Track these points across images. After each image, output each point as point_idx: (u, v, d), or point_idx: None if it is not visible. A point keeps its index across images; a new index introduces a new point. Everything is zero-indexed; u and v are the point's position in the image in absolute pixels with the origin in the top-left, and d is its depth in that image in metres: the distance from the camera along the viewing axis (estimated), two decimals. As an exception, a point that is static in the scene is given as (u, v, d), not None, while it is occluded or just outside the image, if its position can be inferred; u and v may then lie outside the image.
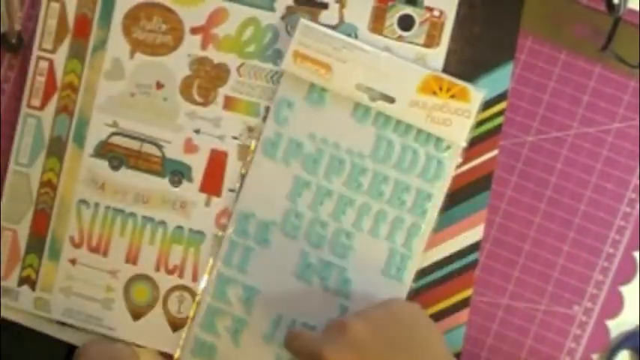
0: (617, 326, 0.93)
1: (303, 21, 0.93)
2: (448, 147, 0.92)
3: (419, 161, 0.92)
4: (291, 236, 0.94)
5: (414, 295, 0.94)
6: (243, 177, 0.95)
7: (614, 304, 0.93)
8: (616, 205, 0.93)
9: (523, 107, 0.93)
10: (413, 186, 0.93)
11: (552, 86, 0.93)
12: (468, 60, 0.94)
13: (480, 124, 0.93)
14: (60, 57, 0.98)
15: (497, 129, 0.93)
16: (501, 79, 0.93)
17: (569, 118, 0.93)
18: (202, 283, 0.96)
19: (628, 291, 0.93)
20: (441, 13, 0.93)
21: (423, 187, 0.92)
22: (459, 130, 0.91)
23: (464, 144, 0.92)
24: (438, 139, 0.92)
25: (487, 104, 0.93)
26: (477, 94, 0.91)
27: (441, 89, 0.91)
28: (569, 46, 0.93)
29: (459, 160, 0.92)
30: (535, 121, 0.93)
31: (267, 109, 0.95)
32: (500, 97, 0.93)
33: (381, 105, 0.92)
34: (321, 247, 0.94)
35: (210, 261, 0.96)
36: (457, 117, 0.91)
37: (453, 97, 0.91)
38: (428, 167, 0.92)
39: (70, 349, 1.00)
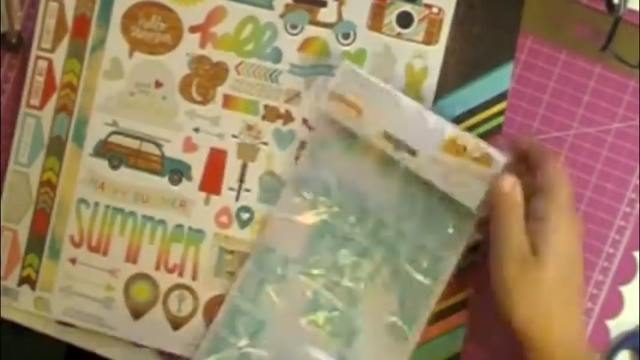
0: (617, 326, 0.93)
1: (347, 62, 0.92)
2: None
3: (441, 225, 0.91)
4: (308, 276, 0.94)
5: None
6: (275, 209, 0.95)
7: (614, 304, 0.93)
8: (616, 205, 0.93)
9: (523, 107, 0.93)
10: (429, 248, 0.91)
11: (552, 86, 0.93)
12: (468, 60, 0.94)
13: (479, 124, 0.93)
14: (59, 56, 0.98)
15: (497, 129, 0.93)
16: (501, 79, 0.93)
17: (569, 118, 0.93)
18: (219, 315, 0.96)
19: (628, 291, 0.93)
20: (440, 10, 0.93)
21: (439, 252, 0.91)
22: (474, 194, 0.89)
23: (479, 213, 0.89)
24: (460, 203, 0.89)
25: (487, 104, 0.93)
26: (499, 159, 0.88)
27: (464, 150, 0.89)
28: (569, 46, 0.93)
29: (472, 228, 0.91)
30: (535, 121, 0.93)
31: (266, 107, 0.95)
32: (500, 97, 0.93)
33: (403, 156, 0.90)
34: (334, 291, 0.93)
35: (230, 292, 0.96)
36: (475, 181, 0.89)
37: (475, 159, 0.89)
38: (446, 231, 0.91)
39: (70, 349, 1.00)
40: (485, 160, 0.88)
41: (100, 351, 1.00)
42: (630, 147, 0.92)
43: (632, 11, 0.91)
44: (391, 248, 0.92)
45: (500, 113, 0.93)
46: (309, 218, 0.94)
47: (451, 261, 0.90)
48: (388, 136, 0.90)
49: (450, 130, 0.89)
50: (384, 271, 0.92)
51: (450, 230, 0.90)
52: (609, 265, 0.93)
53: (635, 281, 0.93)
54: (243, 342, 0.94)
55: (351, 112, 0.91)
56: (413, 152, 0.90)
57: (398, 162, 0.90)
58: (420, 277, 0.91)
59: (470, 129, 0.93)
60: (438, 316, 0.94)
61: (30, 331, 1.00)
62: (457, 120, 0.93)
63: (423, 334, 0.92)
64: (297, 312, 0.93)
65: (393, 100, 0.90)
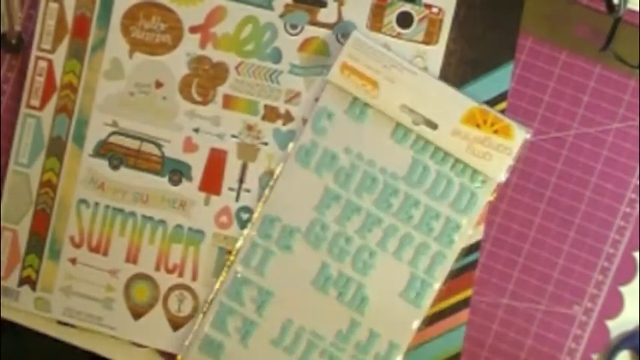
0: (617, 326, 0.93)
1: (356, 33, 0.93)
2: (484, 181, 0.91)
3: (452, 191, 0.92)
4: (314, 246, 0.94)
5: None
6: (275, 180, 0.95)
7: (614, 304, 0.93)
8: (616, 205, 0.92)
9: (523, 107, 0.93)
10: (443, 214, 0.92)
11: (552, 86, 0.93)
12: (468, 60, 0.94)
13: (479, 124, 0.94)
14: (59, 57, 0.98)
15: (497, 129, 0.93)
16: (501, 79, 0.93)
17: (569, 118, 0.93)
18: (217, 284, 0.96)
19: (628, 291, 0.93)
20: (440, 10, 0.94)
21: (453, 216, 0.91)
22: (497, 165, 0.91)
23: (502, 180, 0.91)
24: (475, 172, 0.91)
25: (487, 104, 0.93)
26: (521, 132, 0.90)
27: (485, 122, 0.90)
28: (569, 46, 0.93)
29: (493, 196, 0.92)
30: (535, 121, 0.93)
31: (266, 107, 0.95)
32: (500, 97, 0.93)
33: (422, 129, 0.91)
34: (342, 261, 0.93)
35: (231, 258, 0.96)
36: (498, 153, 0.90)
37: (496, 132, 0.90)
38: (460, 198, 0.91)
39: (70, 349, 1.00)
40: (507, 132, 0.90)
41: (100, 351, 1.00)
42: (630, 147, 0.93)
43: (632, 11, 0.92)
44: (402, 215, 0.92)
45: (500, 113, 0.93)
46: (314, 188, 0.94)
47: (465, 227, 0.92)
48: (406, 109, 0.92)
49: (470, 103, 0.91)
50: (394, 238, 0.92)
51: (464, 197, 0.91)
52: (609, 265, 0.93)
53: (635, 281, 0.93)
54: (249, 311, 0.94)
55: (366, 86, 0.92)
56: (433, 125, 0.92)
57: (410, 131, 0.92)
58: (433, 244, 0.92)
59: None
60: (438, 316, 0.94)
61: (30, 331, 1.00)
62: (457, 120, 0.94)
63: (426, 326, 0.94)
64: (306, 282, 0.94)
65: (411, 73, 0.92)
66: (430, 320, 0.93)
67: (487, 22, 0.93)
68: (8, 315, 1.00)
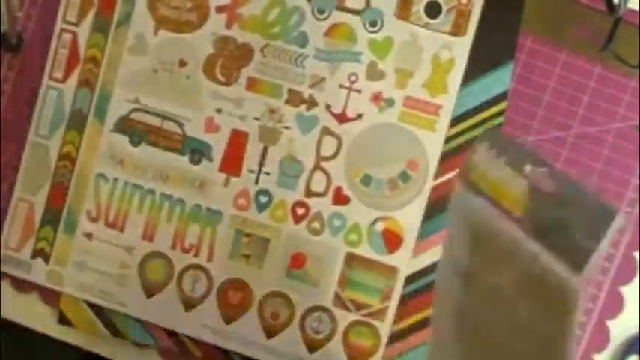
0: (617, 326, 0.93)
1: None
2: None
3: None
4: None
5: (401, 300, 0.94)
6: None
7: (614, 304, 0.93)
8: (615, 205, 0.94)
9: (523, 107, 0.94)
10: None
11: (552, 86, 0.94)
12: (468, 60, 0.94)
13: (479, 124, 0.94)
14: (84, 30, 0.97)
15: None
16: (501, 79, 0.94)
17: (569, 118, 0.94)
18: None
19: (628, 291, 0.93)
20: (469, 0, 0.94)
21: None
22: None
23: None
24: None
25: (487, 104, 0.94)
26: None
27: None
28: (569, 46, 0.94)
29: None
30: (535, 121, 0.94)
31: (290, 91, 0.95)
32: (500, 97, 0.94)
33: None
34: None
35: None
36: None
37: None
38: None
39: (70, 349, 0.99)
40: None
41: (99, 351, 0.98)
42: (630, 147, 0.93)
43: (632, 11, 0.93)
44: None
45: (500, 113, 0.94)
46: None
47: None
48: None
49: None
50: None
51: None
52: (609, 265, 0.93)
53: (635, 281, 0.93)
54: None
55: None
56: None
57: None
58: None
59: (470, 129, 0.94)
60: (426, 322, 0.93)
61: (30, 331, 0.98)
62: (458, 120, 0.94)
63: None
64: None
65: None
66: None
67: (487, 21, 0.94)
68: (8, 315, 0.98)
